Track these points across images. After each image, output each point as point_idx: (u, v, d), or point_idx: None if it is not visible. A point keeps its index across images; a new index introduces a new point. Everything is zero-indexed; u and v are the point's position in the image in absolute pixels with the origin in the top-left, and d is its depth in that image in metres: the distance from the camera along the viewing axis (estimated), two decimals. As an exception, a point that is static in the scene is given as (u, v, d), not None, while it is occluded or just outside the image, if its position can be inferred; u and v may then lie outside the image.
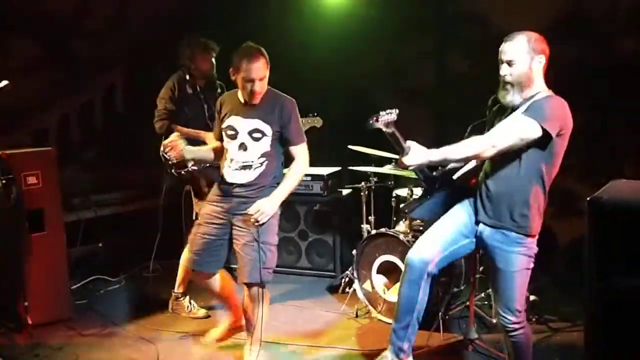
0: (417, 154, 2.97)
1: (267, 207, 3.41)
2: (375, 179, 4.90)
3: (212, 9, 6.36)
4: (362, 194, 4.94)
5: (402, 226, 4.51)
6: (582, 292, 2.36)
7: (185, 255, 4.59)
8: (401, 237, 4.24)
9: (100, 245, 5.62)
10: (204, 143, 4.33)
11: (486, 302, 4.39)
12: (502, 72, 2.98)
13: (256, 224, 3.41)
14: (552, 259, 4.97)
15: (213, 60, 4.61)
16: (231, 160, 3.54)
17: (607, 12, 5.13)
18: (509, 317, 3.03)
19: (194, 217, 4.62)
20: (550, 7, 5.28)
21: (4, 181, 4.08)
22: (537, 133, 2.84)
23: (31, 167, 4.34)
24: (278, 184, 3.54)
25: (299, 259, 5.46)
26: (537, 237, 3.04)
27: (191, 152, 3.73)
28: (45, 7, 6.11)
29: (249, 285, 3.52)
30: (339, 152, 5.26)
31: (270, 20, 6.25)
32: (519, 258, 2.99)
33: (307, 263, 5.44)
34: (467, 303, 4.16)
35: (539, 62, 2.98)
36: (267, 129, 3.47)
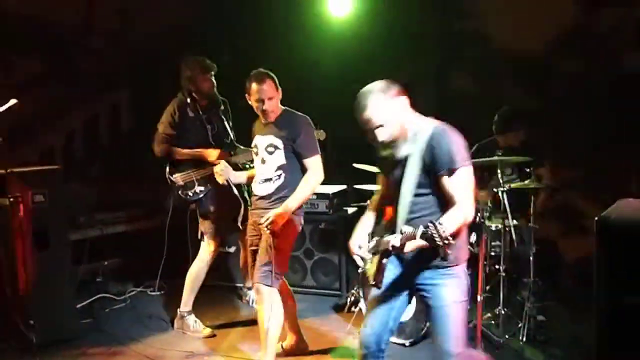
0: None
1: (275, 216, 3.63)
2: (380, 197, 4.88)
3: (216, 26, 6.40)
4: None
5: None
6: (591, 310, 2.35)
7: (191, 273, 4.60)
8: (407, 256, 4.21)
9: (106, 263, 5.61)
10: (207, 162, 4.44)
11: (493, 322, 4.36)
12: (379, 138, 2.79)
13: (267, 231, 3.64)
14: (558, 277, 4.94)
15: (213, 79, 4.61)
16: (258, 175, 3.88)
17: (613, 28, 5.15)
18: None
19: (199, 237, 4.62)
20: (555, 23, 5.30)
21: (11, 199, 4.09)
22: None
23: (38, 186, 4.35)
24: None
25: (304, 278, 5.44)
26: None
27: (235, 177, 4.06)
28: (50, 25, 6.17)
29: (257, 287, 3.73)
30: (345, 170, 5.27)
31: (275, 37, 6.30)
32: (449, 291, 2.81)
33: (312, 282, 5.42)
34: (474, 322, 4.14)
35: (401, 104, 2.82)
36: (279, 143, 3.76)
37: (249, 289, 5.22)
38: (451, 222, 2.53)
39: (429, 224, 2.40)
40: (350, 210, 5.54)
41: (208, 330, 4.60)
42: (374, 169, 4.72)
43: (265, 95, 3.72)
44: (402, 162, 2.81)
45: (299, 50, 6.25)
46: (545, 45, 5.44)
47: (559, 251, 5.09)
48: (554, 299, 4.49)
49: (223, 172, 3.98)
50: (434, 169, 2.71)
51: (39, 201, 4.35)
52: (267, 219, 3.63)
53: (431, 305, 2.84)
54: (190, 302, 4.62)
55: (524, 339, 4.17)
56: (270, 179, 3.80)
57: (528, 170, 4.38)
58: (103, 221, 5.63)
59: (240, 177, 4.07)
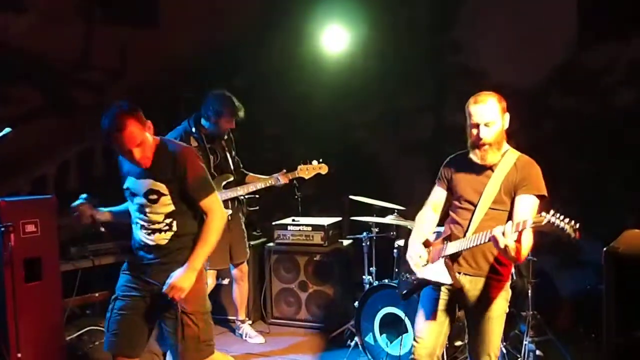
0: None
1: (183, 280, 3.02)
2: (376, 230, 4.86)
3: (213, 61, 6.45)
4: (363, 244, 4.89)
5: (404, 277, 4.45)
6: (590, 345, 2.31)
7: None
8: (404, 288, 4.17)
9: (97, 295, 5.52)
10: None
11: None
12: (481, 135, 2.96)
13: (175, 300, 3.03)
14: (556, 312, 4.90)
15: (234, 123, 4.66)
16: (137, 223, 3.23)
17: (605, 64, 5.21)
18: None
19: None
20: (549, 59, 5.38)
21: (2, 228, 4.03)
22: None
23: (30, 215, 4.28)
24: (195, 241, 3.15)
25: (298, 311, 5.37)
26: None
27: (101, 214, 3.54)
28: (47, 57, 6.18)
29: None
30: (340, 202, 5.25)
31: (271, 72, 6.35)
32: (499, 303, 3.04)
33: (307, 315, 5.35)
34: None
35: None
36: (163, 188, 3.10)
37: (243, 322, 5.14)
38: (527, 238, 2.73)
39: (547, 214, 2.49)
40: (346, 242, 5.50)
41: None
42: (370, 201, 4.71)
43: (132, 144, 2.99)
44: (485, 171, 3.00)
45: (295, 84, 6.29)
46: (537, 80, 5.50)
47: (555, 285, 5.06)
48: (553, 333, 4.43)
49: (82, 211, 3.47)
50: (520, 189, 2.89)
51: (31, 231, 4.29)
52: (171, 288, 3.00)
53: (482, 316, 3.00)
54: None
55: (523, 373, 4.11)
56: (159, 230, 3.14)
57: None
58: (94, 252, 5.55)
59: (105, 215, 3.54)
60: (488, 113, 2.93)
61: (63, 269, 4.79)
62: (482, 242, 2.82)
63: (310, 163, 4.74)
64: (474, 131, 2.96)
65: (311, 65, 6.28)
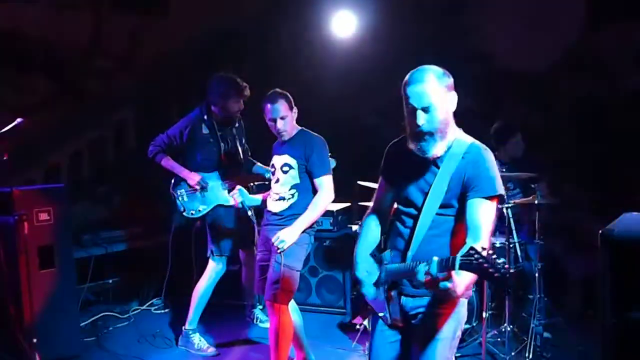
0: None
1: (285, 235, 3.73)
2: (385, 215, 4.87)
3: (222, 49, 6.47)
4: (372, 229, 4.91)
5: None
6: (597, 328, 2.33)
7: (197, 291, 4.59)
8: (412, 272, 4.20)
9: (110, 281, 5.61)
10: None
11: (499, 339, 4.33)
12: (418, 122, 2.42)
13: (278, 250, 3.71)
14: (565, 294, 4.91)
15: (242, 103, 4.63)
16: (272, 192, 3.96)
17: (616, 46, 5.17)
18: None
19: (208, 254, 4.61)
20: (557, 41, 5.34)
21: (15, 217, 4.10)
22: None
23: (43, 204, 4.36)
24: None
25: (309, 296, 5.42)
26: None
27: (251, 201, 4.15)
28: (58, 46, 6.24)
29: (268, 303, 3.82)
30: (349, 188, 5.27)
31: (281, 59, 6.35)
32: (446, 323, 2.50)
33: (317, 299, 5.40)
34: (479, 340, 4.11)
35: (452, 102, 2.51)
36: (293, 162, 3.85)
37: (254, 307, 5.20)
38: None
39: (471, 250, 2.03)
40: (355, 227, 5.52)
41: (212, 349, 4.58)
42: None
43: (278, 115, 3.81)
44: (429, 167, 2.50)
45: (304, 70, 6.30)
46: (547, 63, 5.46)
47: (565, 268, 5.07)
48: (561, 316, 4.45)
49: (237, 197, 4.06)
50: (471, 191, 2.39)
51: (44, 219, 4.37)
52: (277, 238, 3.73)
53: (422, 336, 2.50)
54: (195, 320, 4.60)
55: (530, 357, 4.12)
56: (284, 198, 3.88)
57: (533, 186, 4.38)
58: (108, 239, 5.64)
59: (254, 200, 4.16)
60: (426, 94, 2.39)
61: (76, 256, 4.86)
62: (411, 277, 2.37)
63: None
64: (411, 117, 2.43)
65: (320, 51, 6.27)
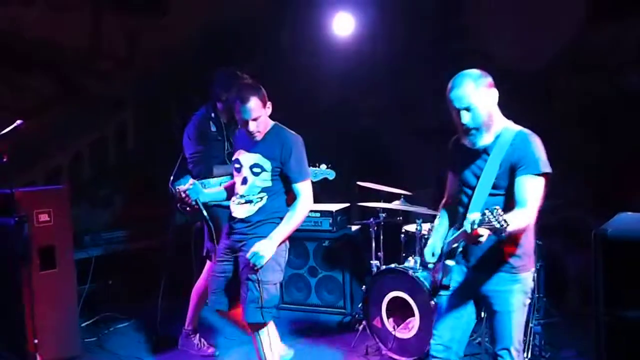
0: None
1: (262, 250, 3.37)
2: (384, 215, 4.90)
3: (222, 48, 6.48)
4: (371, 230, 4.93)
5: (411, 262, 4.50)
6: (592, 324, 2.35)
7: (196, 291, 4.60)
8: (410, 272, 4.22)
9: (110, 282, 5.63)
10: None
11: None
12: (463, 120, 2.79)
13: (255, 267, 3.37)
14: (563, 294, 4.92)
15: None
16: (236, 194, 3.60)
17: (613, 44, 5.17)
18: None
19: (204, 254, 4.62)
20: (555, 40, 5.34)
21: (16, 218, 4.12)
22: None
23: (43, 205, 4.37)
24: (281, 218, 3.49)
25: (308, 296, 5.44)
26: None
27: (205, 196, 3.76)
28: (57, 47, 6.24)
29: (250, 326, 3.52)
30: (348, 188, 5.29)
31: (280, 58, 6.36)
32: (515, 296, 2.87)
33: (316, 300, 5.42)
34: (479, 340, 4.13)
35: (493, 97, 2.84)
36: (267, 165, 3.47)
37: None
38: (515, 219, 2.50)
39: (486, 211, 2.38)
40: (354, 227, 5.55)
41: (212, 350, 4.59)
42: (377, 186, 4.74)
43: (250, 117, 3.41)
44: (480, 155, 2.85)
45: (303, 70, 6.31)
46: (546, 62, 5.47)
47: (564, 267, 5.08)
48: (560, 315, 4.46)
49: (190, 191, 3.67)
50: (517, 170, 2.72)
51: (45, 220, 4.38)
52: (253, 254, 3.36)
53: (497, 311, 2.87)
54: (195, 320, 4.62)
55: (529, 356, 4.13)
56: (251, 201, 3.50)
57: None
58: (108, 240, 5.65)
59: (212, 195, 3.81)
60: (465, 97, 2.75)
61: (77, 257, 4.88)
62: (458, 239, 2.73)
63: (319, 167, 4.51)
64: (457, 117, 2.80)
65: (320, 51, 6.28)
